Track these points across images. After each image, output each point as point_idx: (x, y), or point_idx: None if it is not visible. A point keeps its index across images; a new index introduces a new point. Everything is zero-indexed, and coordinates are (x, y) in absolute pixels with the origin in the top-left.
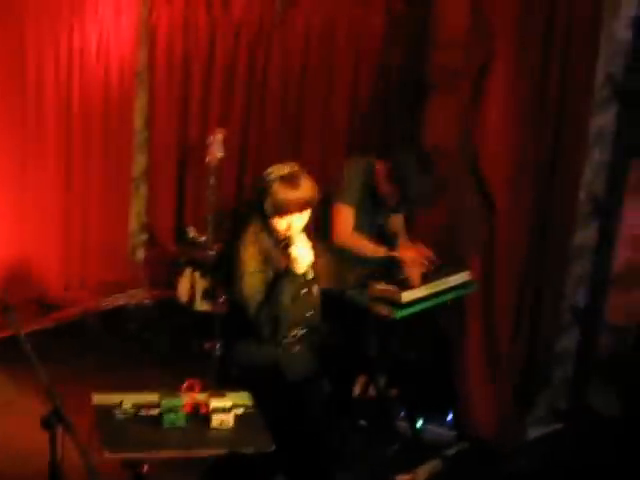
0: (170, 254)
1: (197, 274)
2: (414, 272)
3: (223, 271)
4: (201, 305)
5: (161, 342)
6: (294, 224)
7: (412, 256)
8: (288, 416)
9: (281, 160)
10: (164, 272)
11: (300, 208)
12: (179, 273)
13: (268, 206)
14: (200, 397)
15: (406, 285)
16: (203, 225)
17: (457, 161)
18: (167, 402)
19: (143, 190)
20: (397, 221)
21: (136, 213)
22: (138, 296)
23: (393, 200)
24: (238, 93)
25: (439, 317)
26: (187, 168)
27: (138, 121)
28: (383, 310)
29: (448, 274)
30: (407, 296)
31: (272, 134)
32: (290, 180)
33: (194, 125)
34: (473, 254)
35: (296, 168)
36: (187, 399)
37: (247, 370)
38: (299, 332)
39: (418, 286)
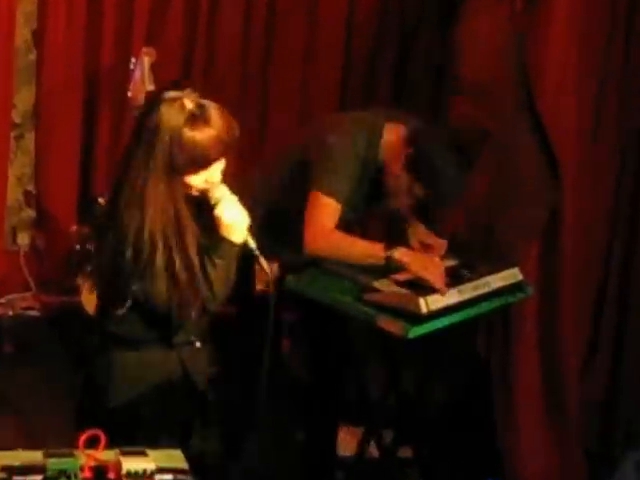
0: (70, 240)
1: None
2: (432, 272)
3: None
4: None
5: (51, 371)
6: (213, 176)
7: (421, 260)
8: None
9: (241, 104)
10: (59, 268)
11: (221, 153)
12: (83, 269)
13: (178, 161)
14: (107, 456)
15: (425, 288)
16: None
17: (506, 105)
18: (56, 464)
19: (29, 142)
20: None
21: (17, 177)
22: (18, 304)
23: (408, 202)
24: None
25: (475, 337)
26: (98, 108)
27: (22, 35)
28: (390, 325)
29: (489, 272)
30: (429, 304)
31: (227, 56)
32: (202, 118)
33: (108, 42)
34: (526, 244)
35: (194, 95)
36: (86, 459)
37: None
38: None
39: (443, 290)
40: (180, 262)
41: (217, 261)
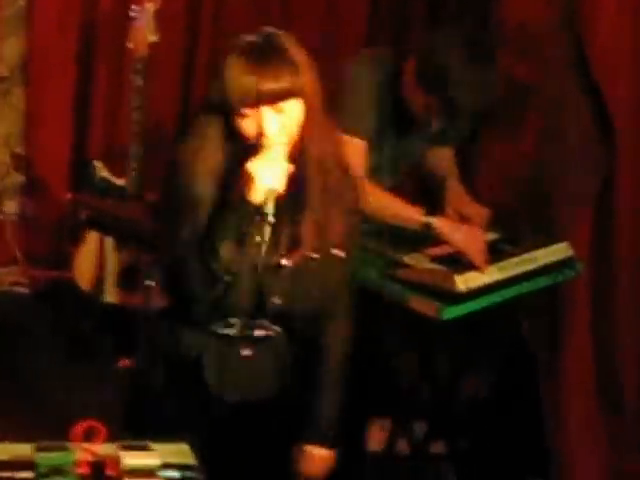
0: (62, 208)
1: (108, 243)
2: (472, 246)
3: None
4: (113, 295)
5: (42, 355)
6: (267, 125)
7: (462, 231)
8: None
9: None
10: (51, 239)
11: (272, 97)
12: (78, 241)
13: (222, 95)
14: (104, 450)
15: (463, 263)
16: (121, 160)
17: (555, 59)
18: (48, 459)
19: (17, 97)
20: (443, 158)
21: (3, 138)
22: (5, 279)
23: (432, 116)
24: None
25: (519, 320)
26: (95, 60)
27: None
28: (422, 306)
29: (534, 247)
30: (466, 281)
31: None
32: (253, 51)
33: None
34: (577, 214)
35: (271, 32)
36: (82, 453)
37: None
38: (252, 324)
39: (484, 267)
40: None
41: (227, 216)
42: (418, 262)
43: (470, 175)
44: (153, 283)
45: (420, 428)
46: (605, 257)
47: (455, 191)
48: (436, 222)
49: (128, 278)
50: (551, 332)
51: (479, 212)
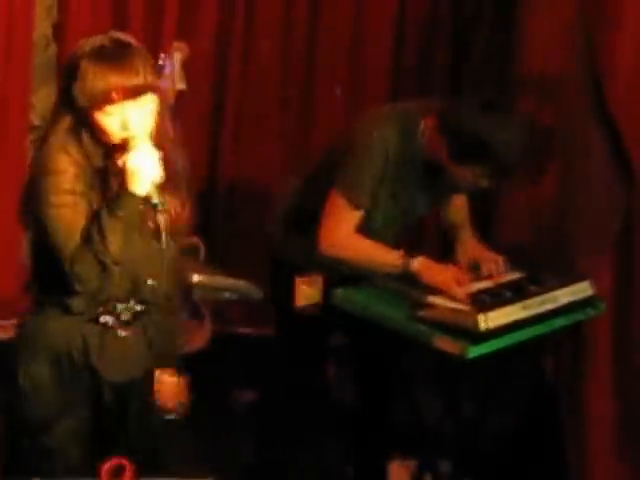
0: None
1: None
2: (442, 280)
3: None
4: None
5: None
6: (130, 120)
7: (433, 269)
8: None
9: (282, 103)
10: None
11: (136, 93)
12: None
13: (80, 95)
14: None
15: (486, 302)
16: None
17: (574, 104)
18: None
19: None
20: (457, 206)
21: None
22: None
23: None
24: None
25: (542, 357)
26: None
27: (41, 28)
28: (447, 345)
29: (557, 286)
30: (489, 320)
31: (268, 51)
32: (109, 52)
33: (135, 36)
34: (598, 251)
35: (118, 35)
36: None
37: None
38: (128, 308)
39: (461, 296)
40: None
41: (116, 212)
42: (441, 301)
43: (493, 217)
44: None
45: (445, 466)
46: (627, 294)
47: (468, 242)
48: (414, 265)
49: None
50: (573, 369)
51: (493, 257)
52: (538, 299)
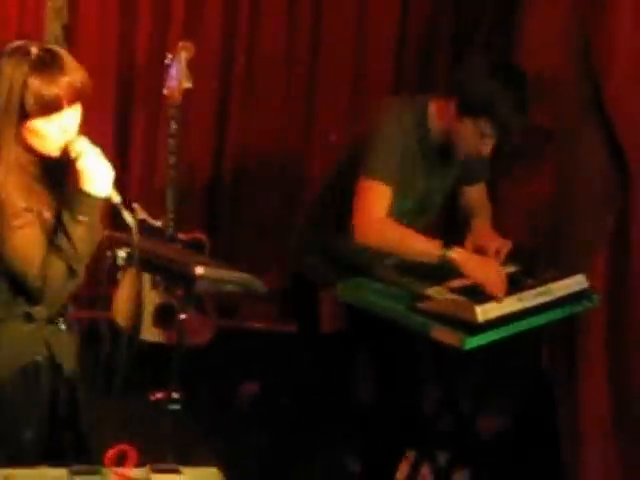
0: (100, 246)
1: (146, 282)
2: (490, 277)
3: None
4: (151, 333)
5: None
6: (68, 125)
7: (479, 262)
8: None
9: (287, 101)
10: (89, 278)
11: (72, 98)
12: (115, 279)
13: (27, 106)
14: (137, 474)
15: (483, 294)
16: (157, 202)
17: (569, 104)
18: None
19: None
20: (475, 195)
21: None
22: None
23: (485, 143)
24: None
25: (538, 349)
26: (132, 107)
27: (51, 30)
28: (445, 336)
29: (552, 279)
30: (486, 312)
31: (272, 51)
32: (49, 62)
33: (143, 36)
34: (594, 248)
35: (41, 43)
36: (115, 477)
37: None
38: None
39: (501, 296)
40: (37, 218)
41: (80, 217)
42: (440, 294)
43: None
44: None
45: (443, 457)
46: (621, 293)
47: (478, 229)
48: (453, 255)
49: (164, 316)
50: (568, 359)
51: (501, 242)
52: (534, 291)
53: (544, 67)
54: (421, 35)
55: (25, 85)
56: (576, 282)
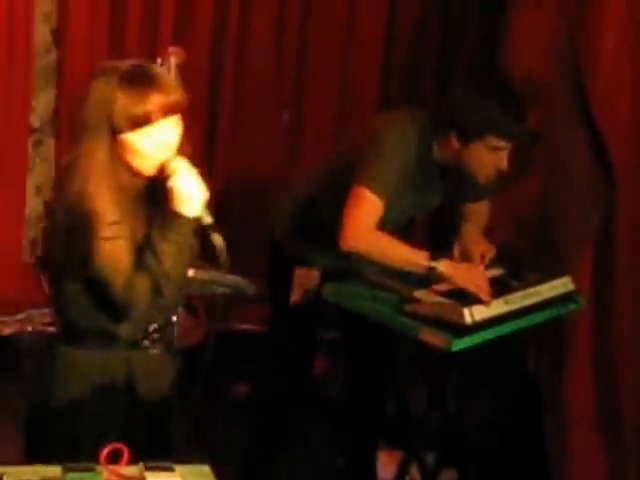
0: None
1: None
2: (476, 284)
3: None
4: None
5: None
6: (166, 140)
7: (465, 271)
8: None
9: (276, 107)
10: None
11: (164, 112)
12: None
13: (117, 121)
14: (130, 471)
15: (469, 298)
16: None
17: (556, 106)
18: (76, 479)
19: (49, 148)
20: (477, 207)
21: (36, 187)
22: (38, 320)
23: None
24: None
25: (524, 351)
26: None
27: (40, 34)
28: (432, 338)
29: (538, 281)
30: (474, 314)
31: (261, 56)
32: (138, 76)
33: (132, 40)
34: (579, 250)
35: (140, 61)
36: (109, 475)
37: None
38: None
39: (489, 301)
40: (129, 233)
41: (167, 235)
42: (427, 297)
43: None
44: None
45: (430, 457)
46: (606, 290)
47: (468, 232)
48: (440, 267)
49: None
50: (554, 361)
51: (487, 246)
52: (520, 294)
53: (531, 68)
54: (409, 37)
55: (114, 98)
56: (562, 284)
